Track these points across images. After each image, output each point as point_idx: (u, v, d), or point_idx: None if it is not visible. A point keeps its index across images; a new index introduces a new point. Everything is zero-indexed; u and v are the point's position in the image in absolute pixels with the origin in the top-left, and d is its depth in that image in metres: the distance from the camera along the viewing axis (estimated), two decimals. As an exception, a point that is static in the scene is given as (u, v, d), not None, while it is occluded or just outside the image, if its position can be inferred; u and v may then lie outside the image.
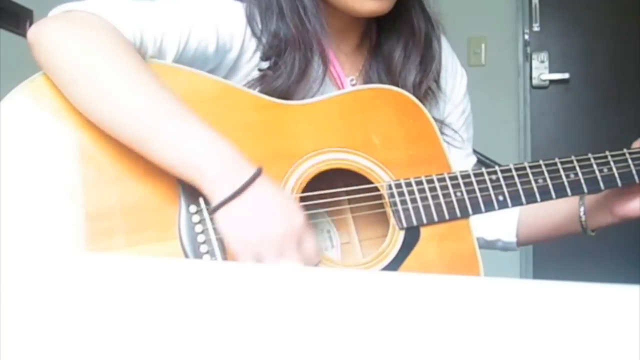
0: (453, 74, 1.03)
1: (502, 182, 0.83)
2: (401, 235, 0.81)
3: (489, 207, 0.83)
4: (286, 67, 0.85)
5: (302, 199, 0.78)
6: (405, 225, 0.81)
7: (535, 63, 2.71)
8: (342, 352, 0.35)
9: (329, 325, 0.37)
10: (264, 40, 0.87)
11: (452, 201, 0.82)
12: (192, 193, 0.72)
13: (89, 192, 0.70)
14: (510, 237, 1.01)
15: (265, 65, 0.87)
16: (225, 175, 0.68)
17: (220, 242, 0.71)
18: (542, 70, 2.71)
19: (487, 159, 2.43)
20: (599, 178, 0.85)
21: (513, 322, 0.36)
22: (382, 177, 0.82)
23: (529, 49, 2.71)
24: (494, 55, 2.74)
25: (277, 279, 0.43)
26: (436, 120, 0.92)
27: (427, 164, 0.84)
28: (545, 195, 0.84)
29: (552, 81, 2.71)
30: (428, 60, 0.94)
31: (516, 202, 0.83)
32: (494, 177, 0.83)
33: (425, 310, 0.38)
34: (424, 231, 0.81)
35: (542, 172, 0.84)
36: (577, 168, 0.85)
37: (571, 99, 2.72)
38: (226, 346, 0.36)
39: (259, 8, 0.87)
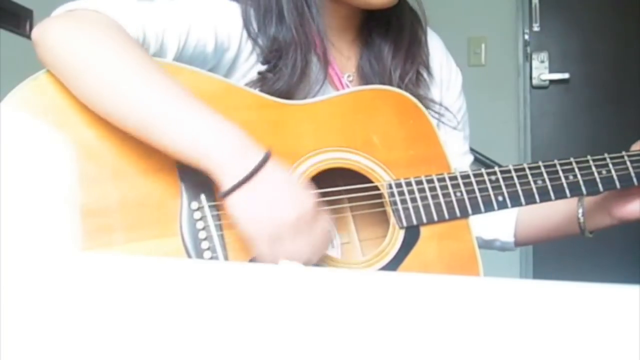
0: (448, 72, 1.04)
1: (502, 182, 0.84)
2: (401, 234, 0.81)
3: (489, 207, 0.83)
4: (286, 69, 0.86)
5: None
6: (405, 224, 0.81)
7: (535, 63, 2.71)
8: (342, 352, 0.35)
9: (328, 325, 0.37)
10: (261, 42, 0.87)
11: (451, 201, 0.82)
12: (193, 190, 0.72)
13: (91, 189, 0.70)
14: (508, 237, 1.01)
15: (264, 68, 0.87)
16: (236, 158, 0.68)
17: (221, 238, 0.71)
18: (542, 70, 2.71)
19: (487, 159, 2.44)
20: (598, 180, 0.85)
21: (513, 322, 0.36)
22: (382, 177, 0.83)
23: (529, 49, 2.71)
24: (494, 55, 2.74)
25: (276, 279, 0.43)
26: (434, 102, 0.95)
27: (427, 164, 0.85)
28: (544, 197, 0.84)
29: (552, 81, 2.71)
30: (415, 48, 0.97)
31: (515, 202, 0.84)
32: (493, 177, 0.84)
33: (425, 311, 0.38)
34: (423, 231, 0.82)
35: (541, 174, 0.84)
36: (576, 170, 0.85)
37: (571, 99, 2.72)
38: (225, 346, 0.36)
39: (256, 11, 0.88)
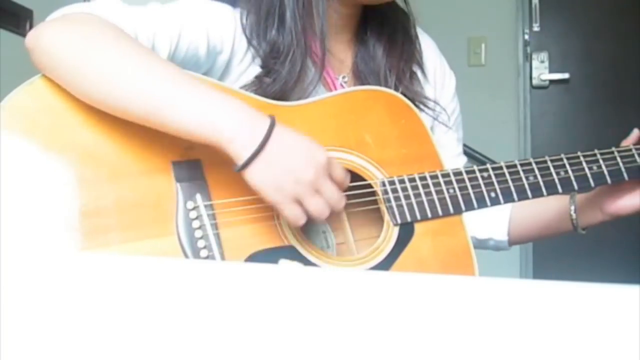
0: (442, 74, 1.05)
1: (494, 179, 0.85)
2: (395, 231, 0.82)
3: (481, 203, 0.84)
4: (283, 72, 0.86)
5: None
6: (399, 221, 0.82)
7: (535, 63, 2.71)
8: (340, 352, 0.35)
9: (326, 325, 0.37)
10: (258, 46, 0.88)
11: (444, 197, 0.84)
12: (189, 189, 0.73)
13: (88, 190, 0.71)
14: (502, 235, 1.02)
15: (261, 71, 0.88)
16: (245, 130, 0.69)
17: (217, 237, 0.71)
18: (542, 70, 2.71)
19: (487, 158, 2.44)
20: (589, 175, 0.86)
21: (513, 322, 0.36)
22: (376, 176, 0.84)
23: (529, 49, 2.71)
24: (494, 55, 2.74)
25: (273, 278, 0.43)
26: (428, 99, 0.96)
27: (419, 162, 0.86)
28: (536, 192, 0.85)
29: (552, 81, 2.71)
30: (408, 47, 0.98)
31: (508, 198, 0.85)
32: (485, 174, 0.85)
33: (425, 310, 0.38)
34: (417, 227, 0.83)
35: (532, 170, 0.86)
36: (567, 166, 0.86)
37: (571, 99, 2.72)
38: (222, 345, 0.36)
39: (257, 15, 0.88)
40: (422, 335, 0.36)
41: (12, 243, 0.68)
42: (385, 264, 0.80)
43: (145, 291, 0.40)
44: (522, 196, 0.85)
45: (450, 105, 1.04)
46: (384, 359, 0.35)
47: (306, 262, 0.76)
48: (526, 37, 2.71)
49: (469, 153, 2.32)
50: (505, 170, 0.85)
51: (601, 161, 0.87)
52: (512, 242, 1.04)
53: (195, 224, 0.73)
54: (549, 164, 0.86)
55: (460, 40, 2.69)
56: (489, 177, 0.85)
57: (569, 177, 0.86)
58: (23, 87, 0.73)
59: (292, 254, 0.76)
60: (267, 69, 0.87)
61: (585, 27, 2.70)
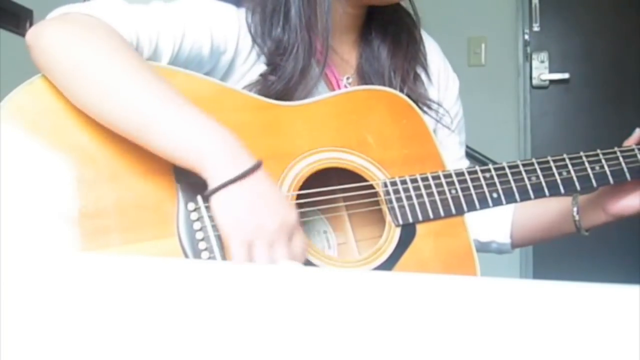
0: (445, 77, 1.05)
1: (496, 179, 0.85)
2: (397, 232, 0.82)
3: (484, 204, 0.84)
4: (288, 71, 0.86)
5: (299, 198, 0.78)
6: (401, 222, 0.82)
7: (535, 63, 2.71)
8: (340, 353, 0.35)
9: (327, 326, 0.37)
10: (263, 44, 0.87)
11: (446, 198, 0.83)
12: (190, 191, 0.73)
13: (88, 191, 0.71)
14: (505, 238, 1.02)
15: (266, 69, 0.88)
16: (227, 161, 0.69)
17: (219, 239, 0.71)
18: (542, 70, 2.71)
19: (487, 158, 2.44)
20: (591, 175, 0.86)
21: (513, 322, 0.36)
22: (377, 176, 0.83)
23: (529, 49, 2.71)
24: (494, 55, 2.74)
25: (274, 279, 0.43)
26: (432, 101, 0.95)
27: (421, 162, 0.86)
28: (538, 193, 0.85)
29: (552, 81, 2.71)
30: (412, 47, 0.98)
31: (510, 199, 0.85)
32: (487, 175, 0.85)
33: (424, 310, 0.38)
34: (419, 228, 0.83)
35: (535, 170, 0.85)
36: (570, 166, 0.86)
37: (571, 99, 2.72)
38: (223, 346, 0.36)
39: (262, 13, 0.88)
40: (422, 335, 0.36)
41: (12, 243, 0.67)
42: (387, 265, 0.80)
43: (145, 291, 0.40)
44: (525, 197, 0.85)
45: (453, 109, 1.04)
46: (384, 359, 0.35)
47: (308, 264, 0.76)
48: (526, 37, 2.71)
49: (469, 153, 2.31)
50: (508, 171, 0.85)
51: (604, 161, 0.87)
52: (514, 245, 1.03)
53: (197, 225, 0.72)
54: (552, 164, 0.86)
55: (460, 40, 2.69)
56: (491, 177, 0.85)
57: (572, 178, 0.85)
58: (23, 87, 0.73)
59: None
60: (272, 66, 0.87)
61: (585, 27, 2.70)
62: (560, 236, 0.98)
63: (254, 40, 0.88)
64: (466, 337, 0.36)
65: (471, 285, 0.41)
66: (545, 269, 2.63)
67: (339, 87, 0.94)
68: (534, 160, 0.86)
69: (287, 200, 0.73)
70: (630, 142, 0.90)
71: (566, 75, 2.68)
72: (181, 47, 0.82)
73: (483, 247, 1.03)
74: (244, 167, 0.68)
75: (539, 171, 0.85)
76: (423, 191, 0.83)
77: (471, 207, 0.84)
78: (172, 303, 0.39)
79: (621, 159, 0.87)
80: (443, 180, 0.84)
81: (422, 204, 0.82)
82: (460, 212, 0.84)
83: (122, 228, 0.70)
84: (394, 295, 0.40)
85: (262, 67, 0.88)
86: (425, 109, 0.95)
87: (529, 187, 0.85)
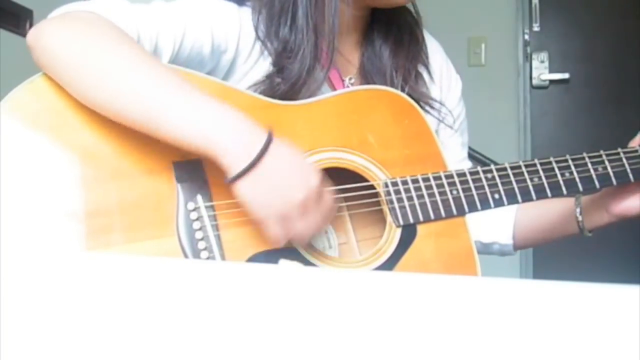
0: (448, 78, 1.04)
1: (498, 180, 0.84)
2: (398, 232, 0.81)
3: (485, 205, 0.84)
4: (293, 71, 0.85)
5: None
6: (402, 222, 0.81)
7: (535, 63, 2.71)
8: (340, 353, 0.35)
9: (326, 326, 0.37)
10: (268, 42, 0.87)
11: (448, 199, 0.83)
12: (190, 190, 0.73)
13: (88, 190, 0.70)
14: (507, 239, 1.01)
15: (272, 70, 0.87)
16: (240, 143, 0.69)
17: (218, 238, 0.71)
18: (542, 70, 2.71)
19: (487, 159, 2.44)
20: (594, 177, 0.85)
21: (513, 322, 0.36)
22: (378, 176, 0.83)
23: (529, 49, 2.71)
24: (494, 55, 2.74)
25: (274, 279, 0.43)
26: (434, 100, 0.95)
27: (423, 162, 0.85)
28: (541, 194, 0.84)
29: (552, 81, 2.71)
30: (414, 47, 0.98)
31: (512, 200, 0.84)
32: (489, 175, 0.84)
33: (424, 310, 0.38)
34: (420, 229, 0.82)
35: (537, 171, 0.85)
36: (572, 167, 0.85)
37: (571, 99, 2.72)
38: (223, 346, 0.36)
39: (269, 13, 0.87)
40: (423, 335, 0.36)
41: (13, 243, 0.67)
42: (388, 266, 0.80)
43: (145, 291, 0.40)
44: (526, 197, 0.84)
45: (456, 109, 1.03)
46: (384, 359, 0.35)
47: (308, 264, 0.76)
48: (526, 37, 2.71)
49: (469, 153, 2.31)
50: (510, 172, 0.84)
51: (607, 162, 0.86)
52: (517, 246, 1.03)
53: (196, 225, 0.72)
54: (554, 165, 0.85)
55: (460, 40, 2.69)
56: (493, 178, 0.84)
57: (574, 179, 0.85)
58: (23, 86, 0.73)
59: (293, 255, 0.76)
60: (279, 66, 0.87)
61: (585, 27, 2.70)
62: (563, 237, 0.97)
63: (260, 40, 0.87)
64: (467, 337, 0.36)
65: (471, 286, 0.41)
66: (545, 269, 2.63)
67: (343, 86, 0.94)
68: (536, 161, 0.85)
69: (306, 161, 0.73)
70: (634, 143, 0.89)
71: (566, 75, 2.68)
72: (182, 46, 0.82)
73: (485, 249, 1.02)
74: (257, 148, 0.68)
75: (541, 172, 0.85)
76: (424, 191, 0.82)
77: (472, 208, 0.83)
78: (172, 303, 0.39)
79: (624, 160, 0.86)
80: (444, 181, 0.83)
81: (423, 205, 0.82)
82: (461, 212, 0.83)
83: (122, 227, 0.70)
84: (394, 295, 0.40)
85: (263, 66, 0.88)
86: (427, 108, 0.95)
87: (531, 188, 0.84)
